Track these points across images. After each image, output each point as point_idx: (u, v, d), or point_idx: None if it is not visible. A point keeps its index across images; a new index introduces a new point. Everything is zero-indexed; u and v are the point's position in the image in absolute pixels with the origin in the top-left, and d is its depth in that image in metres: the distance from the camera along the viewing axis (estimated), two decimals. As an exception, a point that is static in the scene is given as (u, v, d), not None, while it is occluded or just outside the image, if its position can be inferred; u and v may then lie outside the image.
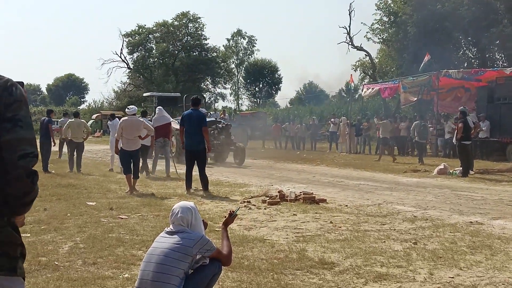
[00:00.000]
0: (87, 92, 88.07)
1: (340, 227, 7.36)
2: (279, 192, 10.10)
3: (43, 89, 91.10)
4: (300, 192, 10.03)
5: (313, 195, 9.74)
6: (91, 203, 9.27)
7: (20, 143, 1.84)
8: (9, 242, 1.89)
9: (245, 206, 9.14)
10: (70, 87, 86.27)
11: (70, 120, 16.14)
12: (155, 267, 3.58)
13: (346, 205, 9.33)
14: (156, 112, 15.59)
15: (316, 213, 8.46)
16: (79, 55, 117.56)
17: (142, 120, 12.12)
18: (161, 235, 3.81)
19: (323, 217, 8.08)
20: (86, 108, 66.91)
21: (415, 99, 25.35)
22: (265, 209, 8.89)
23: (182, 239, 3.64)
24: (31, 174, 1.87)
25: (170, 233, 3.73)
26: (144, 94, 32.59)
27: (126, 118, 11.71)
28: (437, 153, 22.89)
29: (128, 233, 6.88)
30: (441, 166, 15.58)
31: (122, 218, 7.95)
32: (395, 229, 7.22)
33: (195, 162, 11.12)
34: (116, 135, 12.00)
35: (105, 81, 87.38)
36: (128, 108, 12.14)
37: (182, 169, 12.95)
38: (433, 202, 9.96)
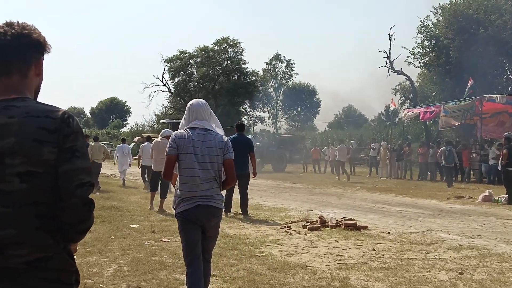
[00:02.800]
0: (129, 115, 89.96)
1: (383, 255, 7.25)
2: (319, 217, 10.03)
3: (87, 112, 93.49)
4: (341, 218, 9.94)
5: (355, 221, 9.63)
6: (134, 226, 9.42)
7: (77, 172, 1.91)
8: (64, 269, 1.95)
9: (285, 231, 9.11)
10: (113, 111, 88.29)
11: (91, 144, 17.03)
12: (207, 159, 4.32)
13: (389, 232, 9.19)
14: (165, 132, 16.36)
15: (358, 239, 8.35)
16: (122, 79, 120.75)
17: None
18: (198, 134, 4.36)
19: (365, 244, 7.98)
20: (128, 131, 68.25)
21: (458, 123, 24.91)
22: (305, 234, 8.84)
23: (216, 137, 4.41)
24: (87, 203, 1.94)
25: (204, 130, 4.37)
26: (161, 121, 33.14)
27: (158, 139, 12.49)
28: (481, 179, 22.31)
29: (170, 257, 6.95)
30: (486, 193, 15.18)
31: (164, 241, 8.05)
32: (440, 258, 7.05)
33: (238, 185, 11.16)
34: (150, 154, 13.04)
35: (146, 104, 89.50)
36: (163, 131, 12.93)
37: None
38: (479, 230, 9.69)
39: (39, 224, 1.88)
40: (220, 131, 4.54)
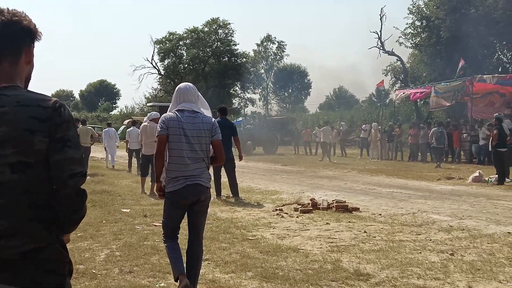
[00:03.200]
0: (119, 98, 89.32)
1: (374, 237, 7.29)
2: (311, 200, 10.05)
3: (76, 95, 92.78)
4: (333, 200, 9.97)
5: (346, 204, 9.66)
6: (125, 210, 9.40)
7: (69, 162, 1.89)
8: (57, 259, 1.93)
9: (277, 214, 9.13)
10: (102, 93, 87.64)
11: (79, 127, 16.91)
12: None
13: (380, 214, 9.23)
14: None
15: (349, 222, 8.39)
16: (111, 62, 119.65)
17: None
18: (185, 116, 4.53)
19: (356, 226, 8.01)
20: (117, 113, 67.91)
21: (448, 104, 24.98)
22: (297, 217, 8.86)
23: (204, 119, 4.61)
24: (80, 193, 1.92)
25: (192, 112, 4.55)
26: (148, 104, 33.09)
27: (145, 124, 12.26)
28: (471, 160, 22.46)
29: (162, 241, 6.94)
30: (476, 174, 15.28)
31: (156, 225, 8.02)
32: (431, 240, 7.10)
33: (224, 170, 11.29)
34: (139, 139, 12.85)
35: (136, 87, 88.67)
36: (149, 114, 12.76)
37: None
38: (469, 211, 9.77)
39: (32, 215, 1.86)
40: (207, 112, 4.72)
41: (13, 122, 1.84)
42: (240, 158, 11.38)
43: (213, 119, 4.70)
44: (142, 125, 12.84)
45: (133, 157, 17.63)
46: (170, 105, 4.67)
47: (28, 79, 2.05)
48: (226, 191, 11.53)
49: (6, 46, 1.92)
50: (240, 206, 10.23)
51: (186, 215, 4.70)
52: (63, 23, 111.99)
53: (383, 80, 31.72)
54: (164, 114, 4.60)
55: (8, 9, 1.95)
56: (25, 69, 2.01)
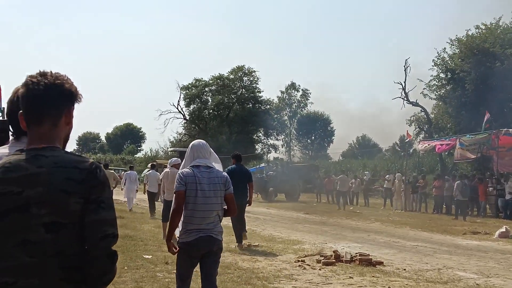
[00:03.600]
0: (144, 141, 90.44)
1: (398, 293, 7.13)
2: (334, 252, 9.91)
3: (102, 137, 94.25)
4: (356, 253, 9.82)
5: (370, 257, 9.50)
6: (147, 256, 9.39)
7: (102, 224, 1.93)
8: None
9: (299, 265, 9.02)
10: (128, 136, 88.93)
11: None
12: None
13: (404, 269, 9.05)
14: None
15: (373, 276, 8.24)
16: (138, 106, 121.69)
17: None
18: (201, 171, 4.78)
19: (380, 282, 7.86)
20: (142, 156, 68.62)
21: (474, 156, 24.72)
22: (320, 269, 8.74)
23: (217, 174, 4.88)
24: (111, 255, 1.95)
25: (207, 167, 4.82)
26: (169, 149, 33.69)
27: (167, 169, 12.53)
28: (498, 214, 21.98)
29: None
30: (503, 229, 14.93)
31: (177, 274, 8.00)
32: (457, 299, 6.92)
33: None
34: (161, 184, 13.11)
35: (161, 131, 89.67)
36: (171, 160, 12.96)
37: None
38: (496, 268, 9.51)
39: (63, 275, 1.89)
40: (218, 166, 5.02)
41: (50, 183, 1.89)
42: (249, 204, 11.57)
43: (225, 174, 4.98)
44: (164, 170, 13.01)
45: (152, 199, 17.99)
46: (184, 161, 4.96)
47: (66, 139, 2.12)
48: (247, 240, 11.48)
49: (48, 108, 1.99)
50: (261, 255, 10.14)
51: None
52: (93, 65, 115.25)
53: (407, 131, 31.62)
54: (181, 170, 4.84)
55: (51, 72, 2.03)
56: (64, 130, 2.07)
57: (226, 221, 12.81)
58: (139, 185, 23.27)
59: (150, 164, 42.76)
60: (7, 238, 1.87)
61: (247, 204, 11.51)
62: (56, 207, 1.88)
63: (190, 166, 4.81)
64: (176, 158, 13.31)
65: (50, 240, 1.87)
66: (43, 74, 2.01)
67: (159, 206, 17.06)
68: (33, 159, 1.94)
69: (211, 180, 4.75)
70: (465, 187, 21.21)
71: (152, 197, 17.94)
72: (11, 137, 2.50)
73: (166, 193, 12.39)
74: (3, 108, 2.93)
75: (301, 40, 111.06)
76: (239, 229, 11.38)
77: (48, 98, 1.98)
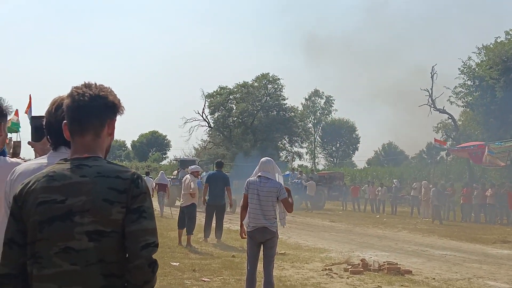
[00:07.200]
0: (169, 149, 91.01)
1: (428, 303, 7.03)
2: (361, 260, 9.83)
3: (128, 145, 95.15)
4: (384, 262, 9.72)
5: (398, 266, 9.41)
6: (174, 264, 9.45)
7: (143, 233, 1.94)
8: None
9: (326, 274, 8.97)
10: (153, 144, 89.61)
11: None
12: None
13: (434, 278, 8.92)
14: (159, 174, 22.41)
15: (402, 285, 8.15)
16: (164, 114, 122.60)
17: (193, 179, 12.73)
18: (261, 181, 6.48)
19: (409, 291, 7.76)
20: (167, 164, 69.09)
21: (503, 164, 24.27)
22: (347, 278, 8.67)
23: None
24: (151, 264, 1.96)
25: (266, 178, 6.46)
26: (172, 158, 34.97)
27: (187, 175, 12.83)
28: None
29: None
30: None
31: (204, 281, 8.04)
32: (489, 309, 6.79)
33: (215, 214, 12.90)
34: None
35: (186, 138, 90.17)
36: (191, 167, 13.50)
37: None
38: (529, 279, 9.31)
39: (105, 283, 1.92)
40: (279, 176, 6.62)
41: (93, 192, 1.93)
42: (231, 206, 14.13)
43: (280, 184, 6.52)
44: (185, 177, 13.21)
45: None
46: (255, 170, 6.62)
47: (107, 150, 2.16)
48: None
49: (91, 119, 2.03)
50: (288, 263, 10.11)
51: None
52: (118, 73, 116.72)
53: (435, 138, 31.16)
54: (249, 179, 6.59)
55: (95, 84, 2.08)
56: (106, 140, 2.11)
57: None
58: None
59: (175, 171, 43.24)
60: (51, 246, 1.91)
61: (229, 206, 13.86)
62: (99, 215, 1.92)
63: (256, 176, 6.51)
64: (195, 166, 13.68)
65: (92, 248, 1.90)
66: (88, 86, 2.06)
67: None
68: (76, 169, 1.98)
69: (266, 188, 6.39)
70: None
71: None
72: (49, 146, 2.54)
73: (182, 199, 12.56)
74: (32, 116, 3.00)
75: (325, 47, 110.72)
76: (217, 230, 12.92)
77: (92, 109, 2.02)
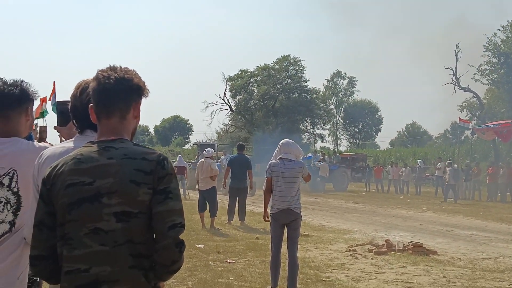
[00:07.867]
0: (192, 133, 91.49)
1: (454, 282, 7.00)
2: (386, 241, 9.80)
3: (151, 129, 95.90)
4: (409, 242, 9.69)
5: (423, 246, 9.37)
6: (199, 246, 9.56)
7: (170, 214, 1.97)
8: None
9: (351, 255, 8.98)
10: (176, 128, 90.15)
11: None
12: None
13: (459, 258, 8.87)
14: (178, 158, 22.61)
15: (427, 265, 8.12)
16: (185, 98, 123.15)
17: (212, 162, 12.77)
18: (284, 163, 6.41)
19: (435, 271, 7.73)
20: (190, 148, 69.53)
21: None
22: (372, 259, 8.67)
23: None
24: (179, 244, 1.98)
25: (288, 160, 6.40)
26: (192, 143, 34.83)
27: (202, 160, 12.78)
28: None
29: (236, 279, 7.01)
30: None
31: (229, 263, 8.12)
32: (516, 288, 6.74)
33: (238, 197, 13.05)
34: (195, 175, 13.42)
35: (208, 122, 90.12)
36: (205, 151, 13.23)
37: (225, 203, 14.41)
38: (557, 258, 9.18)
39: (133, 263, 1.95)
40: (301, 156, 6.67)
41: (120, 174, 1.96)
42: (251, 188, 13.76)
43: (303, 163, 6.62)
44: (199, 161, 13.21)
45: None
46: (275, 152, 6.57)
47: (133, 132, 2.18)
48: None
49: (117, 101, 2.05)
50: (312, 244, 10.15)
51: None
52: (141, 59, 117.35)
53: (459, 117, 30.68)
54: (270, 161, 6.50)
55: (120, 67, 2.09)
56: (132, 123, 2.14)
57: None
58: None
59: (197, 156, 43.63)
60: (80, 227, 1.95)
61: (250, 189, 13.65)
62: (126, 197, 1.94)
63: (278, 158, 6.44)
64: (209, 149, 13.57)
65: (120, 229, 1.94)
66: (113, 69, 2.07)
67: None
68: (103, 151, 2.01)
69: (290, 169, 6.35)
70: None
71: None
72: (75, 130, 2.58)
73: (200, 183, 12.51)
74: (56, 102, 3.04)
75: (350, 29, 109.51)
76: (241, 212, 13.05)
77: (118, 92, 2.04)
